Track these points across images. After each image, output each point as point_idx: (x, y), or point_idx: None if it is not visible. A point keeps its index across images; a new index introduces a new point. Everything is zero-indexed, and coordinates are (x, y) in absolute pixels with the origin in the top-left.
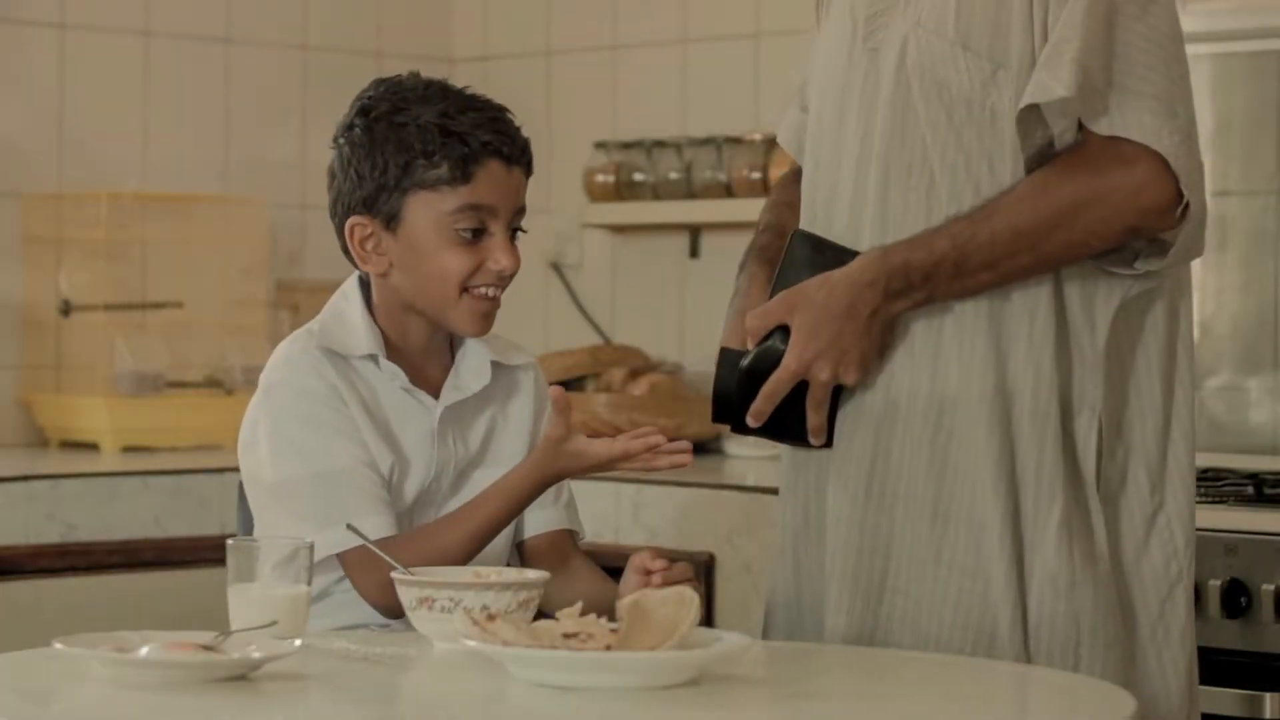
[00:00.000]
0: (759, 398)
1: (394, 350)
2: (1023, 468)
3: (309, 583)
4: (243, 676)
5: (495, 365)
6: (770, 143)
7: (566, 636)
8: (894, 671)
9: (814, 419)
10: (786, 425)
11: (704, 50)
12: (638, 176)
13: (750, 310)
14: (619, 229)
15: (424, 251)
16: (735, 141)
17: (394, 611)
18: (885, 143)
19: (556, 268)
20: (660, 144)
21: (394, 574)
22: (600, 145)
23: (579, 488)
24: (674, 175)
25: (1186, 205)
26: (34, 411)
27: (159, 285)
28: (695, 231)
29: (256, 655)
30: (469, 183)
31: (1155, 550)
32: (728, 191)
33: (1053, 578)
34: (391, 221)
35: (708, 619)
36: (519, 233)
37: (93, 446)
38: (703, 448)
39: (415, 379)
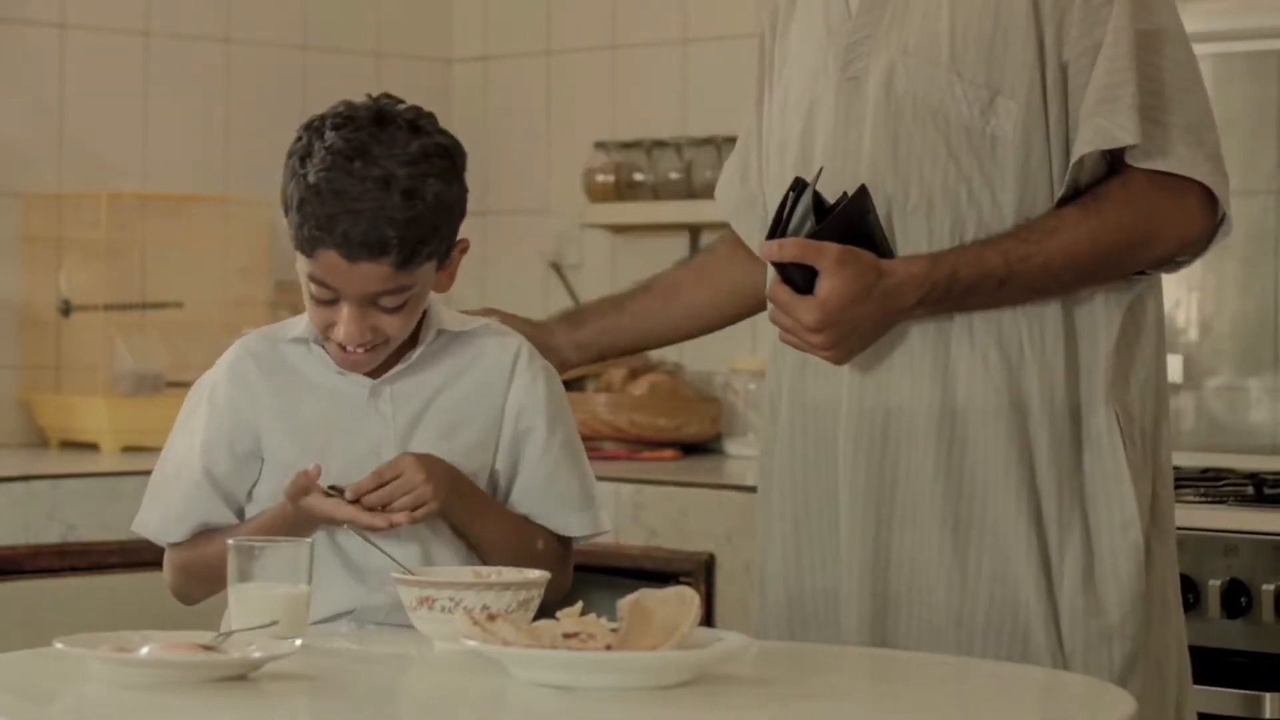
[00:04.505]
0: (780, 299)
1: None
2: (1043, 472)
3: (309, 582)
4: (243, 676)
5: (445, 334)
6: None
7: (566, 636)
8: (893, 671)
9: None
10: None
11: (704, 50)
12: (638, 176)
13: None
14: (619, 229)
15: (301, 289)
16: (735, 141)
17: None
18: (872, 171)
19: (556, 268)
20: (660, 144)
21: (394, 574)
22: (600, 145)
23: None
24: (674, 175)
25: (1219, 223)
26: (34, 411)
27: (159, 285)
28: (695, 231)
29: (256, 655)
30: (311, 257)
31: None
32: None
33: (1082, 574)
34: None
35: (708, 619)
36: (394, 305)
37: (93, 446)
38: (703, 448)
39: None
